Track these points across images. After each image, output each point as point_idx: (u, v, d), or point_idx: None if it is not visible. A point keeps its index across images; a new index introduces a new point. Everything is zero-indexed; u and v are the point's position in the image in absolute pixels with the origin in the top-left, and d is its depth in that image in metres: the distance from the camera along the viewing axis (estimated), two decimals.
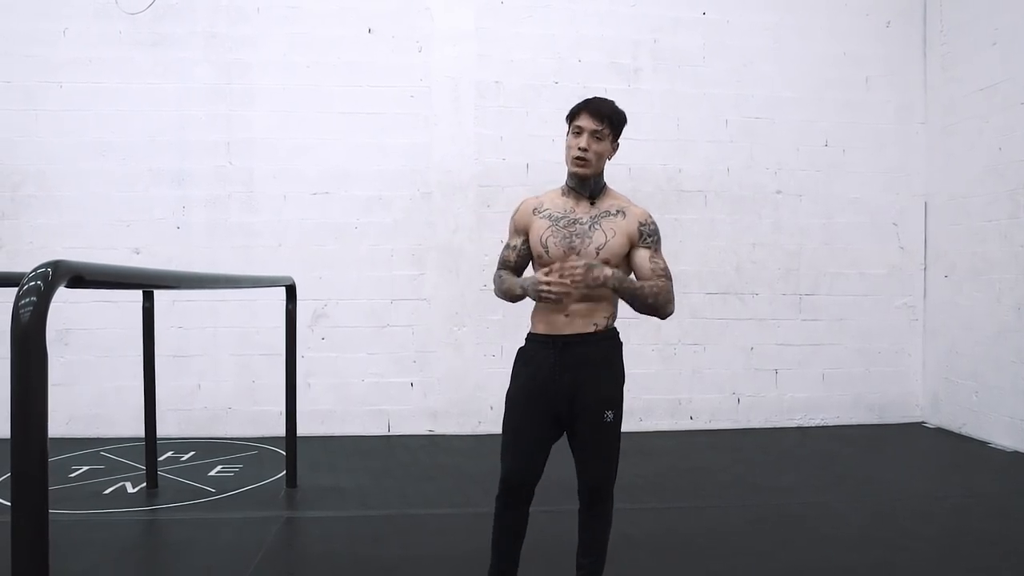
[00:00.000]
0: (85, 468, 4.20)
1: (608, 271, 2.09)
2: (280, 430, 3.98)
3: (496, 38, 5.20)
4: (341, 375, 5.12)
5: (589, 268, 2.05)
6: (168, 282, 2.86)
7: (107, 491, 3.80)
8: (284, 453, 3.96)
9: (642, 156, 5.24)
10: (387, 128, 5.14)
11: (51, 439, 1.21)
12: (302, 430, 4.06)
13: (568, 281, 2.04)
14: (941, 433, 5.28)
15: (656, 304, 2.16)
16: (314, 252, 5.10)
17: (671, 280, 2.21)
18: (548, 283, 2.06)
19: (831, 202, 5.50)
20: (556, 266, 2.08)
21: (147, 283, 2.76)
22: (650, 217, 2.26)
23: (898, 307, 5.58)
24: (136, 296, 3.74)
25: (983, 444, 4.86)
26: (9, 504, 1.21)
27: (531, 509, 2.28)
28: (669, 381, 5.35)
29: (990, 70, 4.91)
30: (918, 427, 5.47)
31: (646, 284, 2.16)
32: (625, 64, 5.31)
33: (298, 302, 3.92)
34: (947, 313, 5.35)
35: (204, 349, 5.05)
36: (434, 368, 5.19)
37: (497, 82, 5.19)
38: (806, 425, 5.45)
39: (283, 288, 3.83)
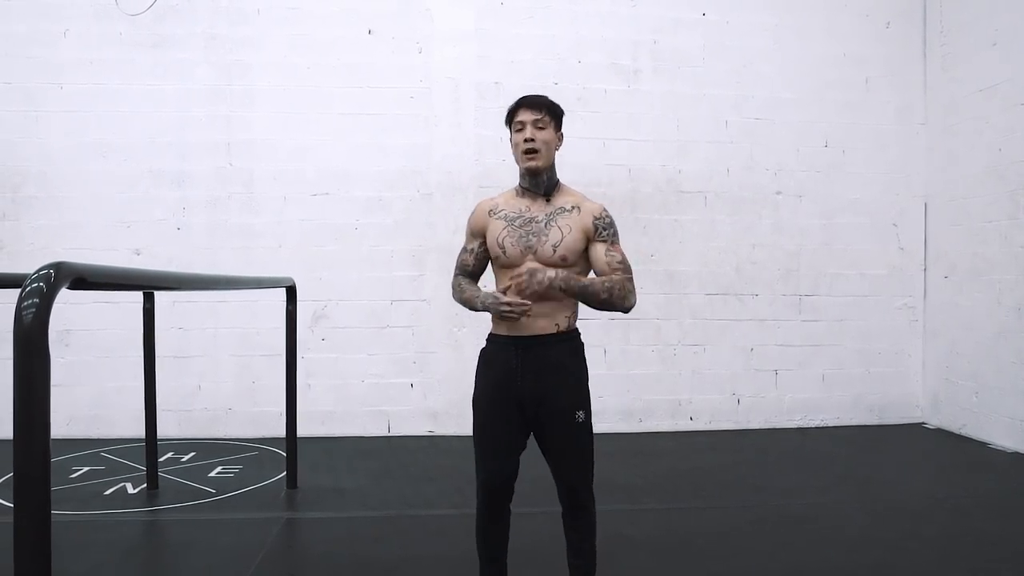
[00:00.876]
0: (86, 469, 4.21)
1: (551, 273, 2.07)
2: (281, 431, 3.98)
3: (496, 39, 5.21)
4: (341, 376, 5.12)
5: (532, 273, 2.06)
6: (169, 283, 2.86)
7: (107, 492, 3.80)
8: (284, 454, 3.96)
9: (642, 157, 5.24)
10: (387, 129, 5.15)
11: (52, 440, 1.21)
12: (302, 431, 4.06)
13: (527, 303, 2.05)
14: (942, 434, 5.28)
15: (611, 299, 2.13)
16: (314, 253, 5.10)
17: (630, 272, 2.19)
18: (509, 304, 2.06)
19: (831, 203, 5.50)
20: (512, 283, 2.10)
21: (148, 284, 2.76)
22: (605, 211, 2.24)
23: (898, 308, 5.58)
24: (137, 297, 3.74)
25: (983, 445, 4.86)
26: (11, 505, 1.21)
27: (530, 510, 2.28)
28: (669, 382, 5.34)
29: (990, 70, 4.91)
30: (918, 428, 5.47)
31: (596, 281, 2.15)
32: (625, 65, 5.31)
33: (298, 303, 3.92)
34: (947, 314, 5.35)
35: (204, 350, 5.05)
36: (434, 369, 5.19)
37: (497, 83, 5.19)
38: (806, 426, 5.45)
39: (283, 289, 3.83)
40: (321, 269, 5.08)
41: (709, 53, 5.38)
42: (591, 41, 5.28)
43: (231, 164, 5.09)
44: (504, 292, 2.15)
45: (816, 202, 5.49)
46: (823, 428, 5.43)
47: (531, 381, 2.15)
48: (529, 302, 2.06)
